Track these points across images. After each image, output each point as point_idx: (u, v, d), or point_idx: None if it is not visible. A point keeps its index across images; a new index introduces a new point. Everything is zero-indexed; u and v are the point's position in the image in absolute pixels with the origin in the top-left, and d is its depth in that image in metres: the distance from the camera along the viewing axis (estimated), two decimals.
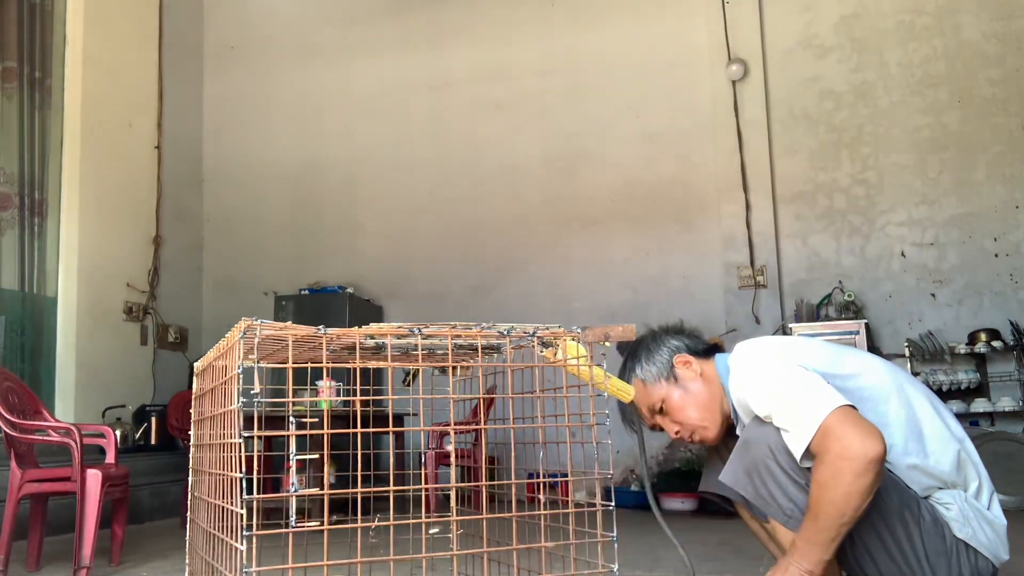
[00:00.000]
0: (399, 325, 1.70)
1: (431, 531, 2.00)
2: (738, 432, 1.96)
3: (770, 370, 1.81)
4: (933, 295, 6.11)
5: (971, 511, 1.80)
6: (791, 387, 1.73)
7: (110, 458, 3.79)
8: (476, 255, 7.19)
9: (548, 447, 1.91)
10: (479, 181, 7.29)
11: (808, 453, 1.67)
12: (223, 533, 1.68)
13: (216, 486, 1.82)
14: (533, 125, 7.24)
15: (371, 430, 1.69)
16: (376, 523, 1.80)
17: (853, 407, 1.66)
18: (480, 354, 1.90)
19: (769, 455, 1.76)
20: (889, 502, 1.73)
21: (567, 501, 1.94)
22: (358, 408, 1.76)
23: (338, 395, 4.62)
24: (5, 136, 5.99)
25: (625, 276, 6.77)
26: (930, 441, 1.82)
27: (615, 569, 1.77)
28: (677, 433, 2.01)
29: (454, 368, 2.06)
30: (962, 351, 5.75)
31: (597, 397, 1.86)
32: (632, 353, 2.11)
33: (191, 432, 2.34)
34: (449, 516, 1.85)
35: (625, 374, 2.09)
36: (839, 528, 1.63)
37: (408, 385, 2.10)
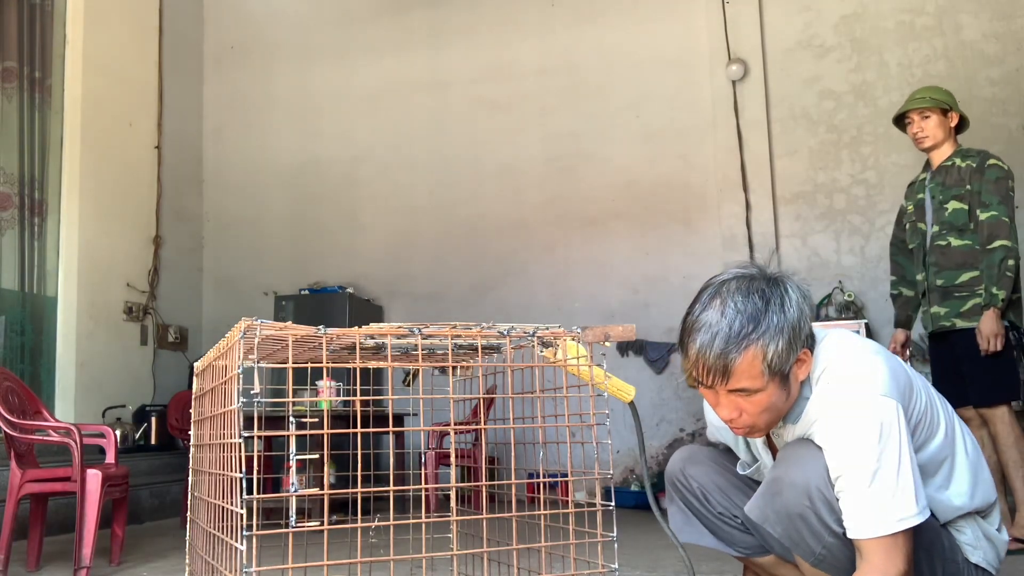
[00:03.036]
0: (399, 325, 1.70)
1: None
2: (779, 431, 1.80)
3: (871, 442, 1.57)
4: None
5: (981, 533, 1.82)
6: (877, 474, 1.56)
7: (110, 458, 3.79)
8: (476, 255, 7.19)
9: (548, 447, 1.91)
10: (479, 181, 7.29)
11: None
12: (223, 533, 1.68)
13: (216, 486, 1.82)
14: (533, 125, 7.23)
15: (371, 430, 1.69)
16: (376, 523, 1.80)
17: (911, 531, 1.59)
18: (480, 354, 1.91)
19: (808, 504, 1.62)
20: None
21: (567, 501, 1.94)
22: (358, 408, 1.76)
23: (338, 395, 4.63)
24: (5, 136, 5.99)
25: (625, 276, 6.77)
26: (982, 477, 1.82)
27: (615, 569, 1.77)
28: (731, 421, 1.67)
29: (454, 368, 2.06)
30: None
31: (597, 397, 1.86)
32: (764, 306, 1.59)
33: (191, 432, 2.34)
34: (449, 516, 1.85)
35: (739, 330, 1.57)
36: None
37: (408, 385, 2.11)
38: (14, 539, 3.42)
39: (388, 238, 7.48)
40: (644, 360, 6.56)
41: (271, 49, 8.07)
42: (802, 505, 1.62)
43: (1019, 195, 6.03)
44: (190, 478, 2.36)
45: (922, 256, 3.79)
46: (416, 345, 1.82)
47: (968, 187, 3.61)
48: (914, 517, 1.56)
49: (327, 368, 1.77)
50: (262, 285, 7.56)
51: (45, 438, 3.58)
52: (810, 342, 1.65)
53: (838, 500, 1.61)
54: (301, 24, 8.05)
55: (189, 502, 2.36)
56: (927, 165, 3.88)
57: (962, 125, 3.81)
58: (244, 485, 1.53)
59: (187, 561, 2.33)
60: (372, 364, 1.91)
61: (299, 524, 1.58)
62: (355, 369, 1.75)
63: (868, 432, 1.57)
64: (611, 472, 1.87)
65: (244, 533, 1.47)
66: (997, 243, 3.48)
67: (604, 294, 6.80)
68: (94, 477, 3.34)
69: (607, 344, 1.89)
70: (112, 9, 6.90)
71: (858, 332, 5.63)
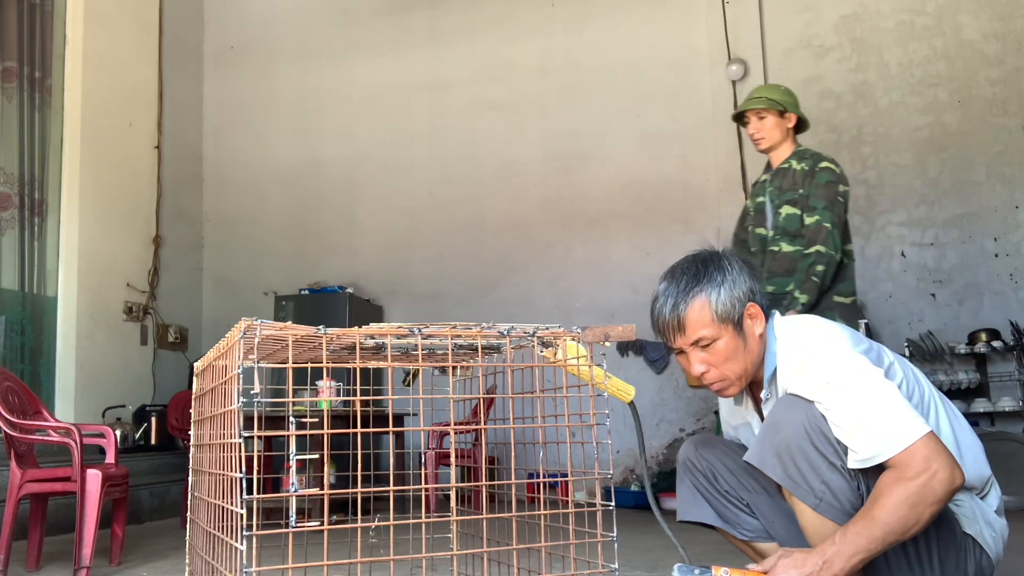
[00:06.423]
0: (399, 325, 1.70)
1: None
2: (762, 396, 1.92)
3: (851, 369, 1.73)
4: (933, 295, 6.11)
5: (978, 511, 1.84)
6: (877, 397, 1.68)
7: (110, 458, 3.79)
8: (476, 255, 7.19)
9: (548, 447, 1.91)
10: (479, 181, 7.29)
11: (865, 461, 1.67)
12: (223, 533, 1.68)
13: (216, 486, 1.82)
14: (533, 125, 7.23)
15: (371, 430, 1.69)
16: (376, 523, 1.80)
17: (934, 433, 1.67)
18: (480, 354, 1.91)
19: (803, 436, 1.72)
20: None
21: (567, 501, 1.94)
22: (358, 408, 1.76)
23: (338, 395, 4.63)
24: (5, 136, 5.99)
25: (625, 276, 6.77)
26: (967, 451, 1.84)
27: (615, 569, 1.77)
28: (701, 374, 1.88)
29: (454, 368, 2.06)
30: (962, 351, 5.75)
31: (597, 397, 1.86)
32: (704, 267, 1.86)
33: (191, 432, 2.34)
34: (449, 516, 1.85)
35: (685, 286, 1.85)
36: (893, 541, 1.61)
37: (408, 385, 2.10)
38: (14, 539, 3.42)
39: (388, 238, 7.48)
40: (644, 360, 6.52)
41: (271, 49, 8.07)
42: (800, 438, 1.72)
43: (1019, 195, 6.06)
44: (190, 478, 2.36)
45: (762, 261, 3.63)
46: (416, 345, 1.82)
47: (800, 191, 3.50)
48: (925, 425, 1.64)
49: (327, 368, 1.77)
50: (262, 285, 7.56)
51: (45, 438, 3.57)
52: (756, 299, 1.86)
53: (841, 443, 1.71)
54: (301, 24, 8.05)
55: (189, 502, 2.36)
56: (768, 166, 3.74)
57: (801, 126, 3.69)
58: (244, 485, 1.53)
59: (187, 561, 2.33)
60: (372, 364, 1.91)
61: (299, 524, 1.58)
62: (355, 369, 1.75)
63: (844, 367, 1.73)
64: (611, 472, 1.87)
65: (244, 533, 1.48)
66: (813, 248, 3.38)
67: (604, 294, 6.80)
68: (94, 477, 3.34)
69: (607, 344, 1.89)
70: (112, 9, 6.90)
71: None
